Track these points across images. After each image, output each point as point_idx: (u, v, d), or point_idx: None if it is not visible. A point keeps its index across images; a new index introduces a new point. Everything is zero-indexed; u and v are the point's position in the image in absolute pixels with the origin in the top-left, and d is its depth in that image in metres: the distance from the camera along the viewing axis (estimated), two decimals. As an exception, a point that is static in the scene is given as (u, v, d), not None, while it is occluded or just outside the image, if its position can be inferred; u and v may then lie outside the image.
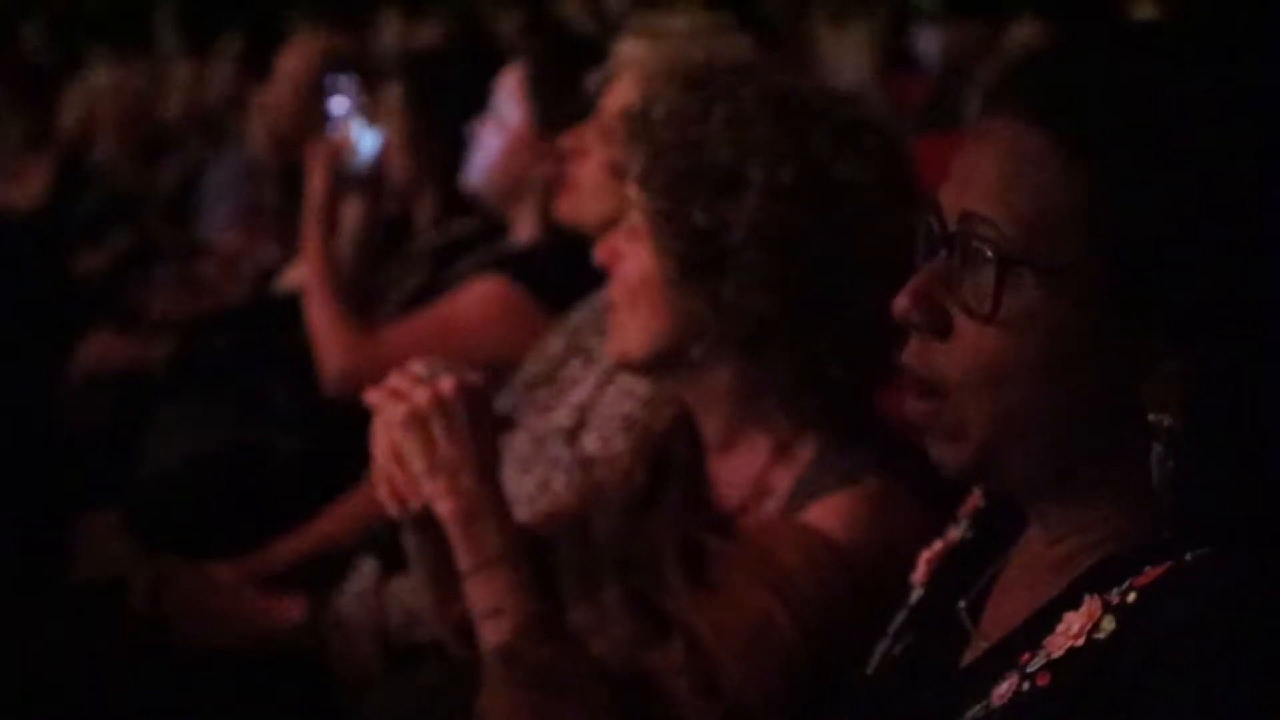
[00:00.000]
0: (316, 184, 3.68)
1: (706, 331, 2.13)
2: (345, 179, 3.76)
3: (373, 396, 2.14)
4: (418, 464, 2.10)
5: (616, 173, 2.22)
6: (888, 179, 2.12)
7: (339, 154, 3.72)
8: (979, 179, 1.44)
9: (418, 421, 2.09)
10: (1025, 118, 1.43)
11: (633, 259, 2.19)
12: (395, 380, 2.13)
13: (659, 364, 2.21)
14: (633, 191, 2.18)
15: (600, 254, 2.25)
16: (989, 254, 1.41)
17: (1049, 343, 1.41)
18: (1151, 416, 1.40)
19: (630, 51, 2.89)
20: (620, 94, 2.81)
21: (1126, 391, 1.41)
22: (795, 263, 2.07)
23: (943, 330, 1.46)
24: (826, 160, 2.08)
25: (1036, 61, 1.52)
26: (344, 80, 3.80)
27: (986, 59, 6.28)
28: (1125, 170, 1.38)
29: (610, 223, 2.79)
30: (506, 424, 2.29)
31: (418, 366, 2.14)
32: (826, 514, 2.09)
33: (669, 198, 2.11)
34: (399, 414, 2.09)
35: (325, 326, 3.56)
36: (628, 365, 2.28)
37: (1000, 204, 1.42)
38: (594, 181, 2.88)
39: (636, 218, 2.18)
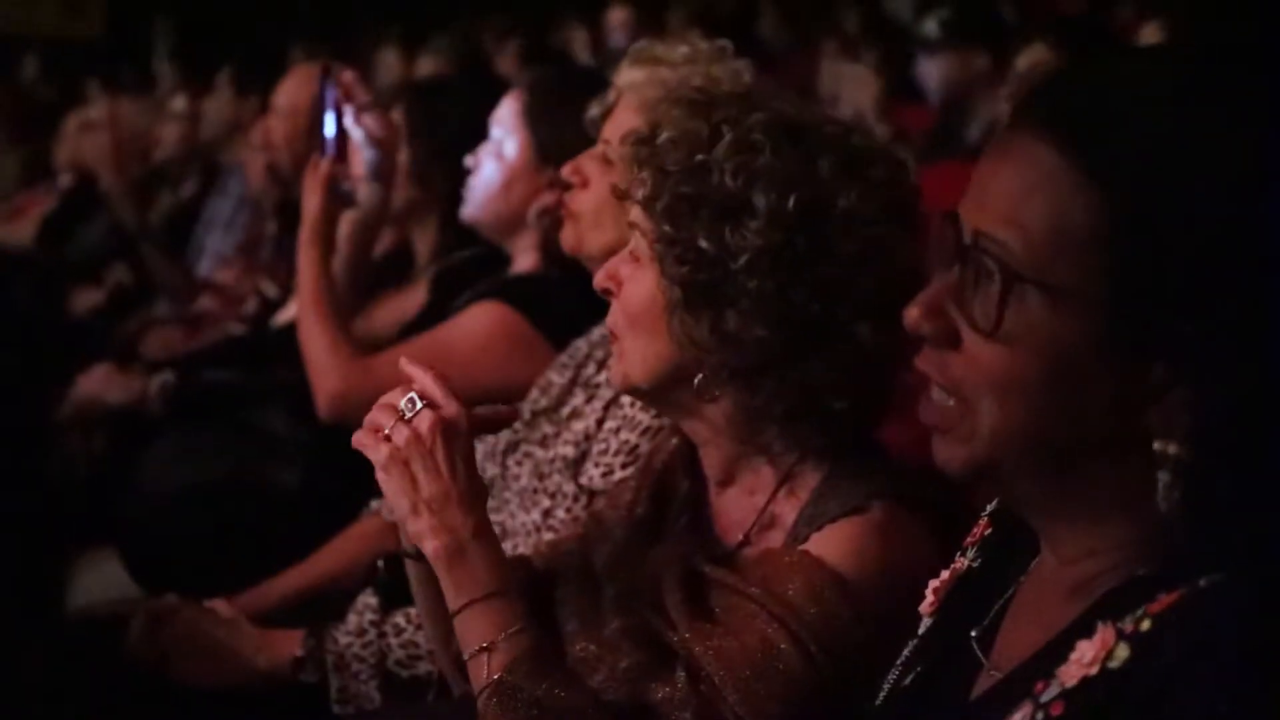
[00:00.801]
0: (312, 204, 3.65)
1: (707, 359, 2.11)
2: (341, 198, 3.73)
3: (357, 440, 2.12)
4: (403, 504, 2.09)
5: (619, 199, 2.20)
6: (893, 210, 2.12)
7: (335, 174, 3.70)
8: (994, 196, 1.46)
9: (398, 463, 2.08)
10: (1043, 137, 1.43)
11: (635, 284, 2.18)
12: (375, 415, 2.12)
13: (661, 391, 2.20)
14: (637, 216, 2.17)
15: (600, 280, 2.24)
16: (996, 271, 1.43)
17: (1052, 361, 1.42)
18: (1157, 445, 1.40)
19: (629, 78, 2.88)
20: (620, 121, 2.80)
21: (1133, 416, 1.41)
22: (797, 292, 2.06)
23: (952, 341, 1.48)
24: (832, 190, 2.08)
25: (1058, 81, 1.51)
26: (337, 82, 3.76)
27: (988, 89, 6.29)
28: (1138, 196, 1.38)
29: (613, 252, 2.78)
30: (510, 417, 2.26)
31: (396, 398, 2.11)
32: (829, 542, 2.07)
33: (673, 222, 2.10)
34: (380, 457, 2.08)
35: (319, 350, 3.52)
36: (630, 391, 2.26)
37: (1012, 222, 1.43)
38: (596, 210, 2.86)
39: (640, 243, 2.17)
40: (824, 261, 2.06)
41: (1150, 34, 5.44)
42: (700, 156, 2.09)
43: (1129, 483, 1.43)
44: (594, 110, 3.00)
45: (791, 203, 2.05)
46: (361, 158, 3.73)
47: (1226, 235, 1.37)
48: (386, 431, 2.09)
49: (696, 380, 2.14)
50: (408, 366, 2.14)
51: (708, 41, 2.91)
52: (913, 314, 1.50)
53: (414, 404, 2.09)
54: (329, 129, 3.68)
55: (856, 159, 2.12)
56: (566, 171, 2.91)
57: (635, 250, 2.19)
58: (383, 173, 3.76)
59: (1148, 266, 1.38)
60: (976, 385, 1.46)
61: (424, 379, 2.12)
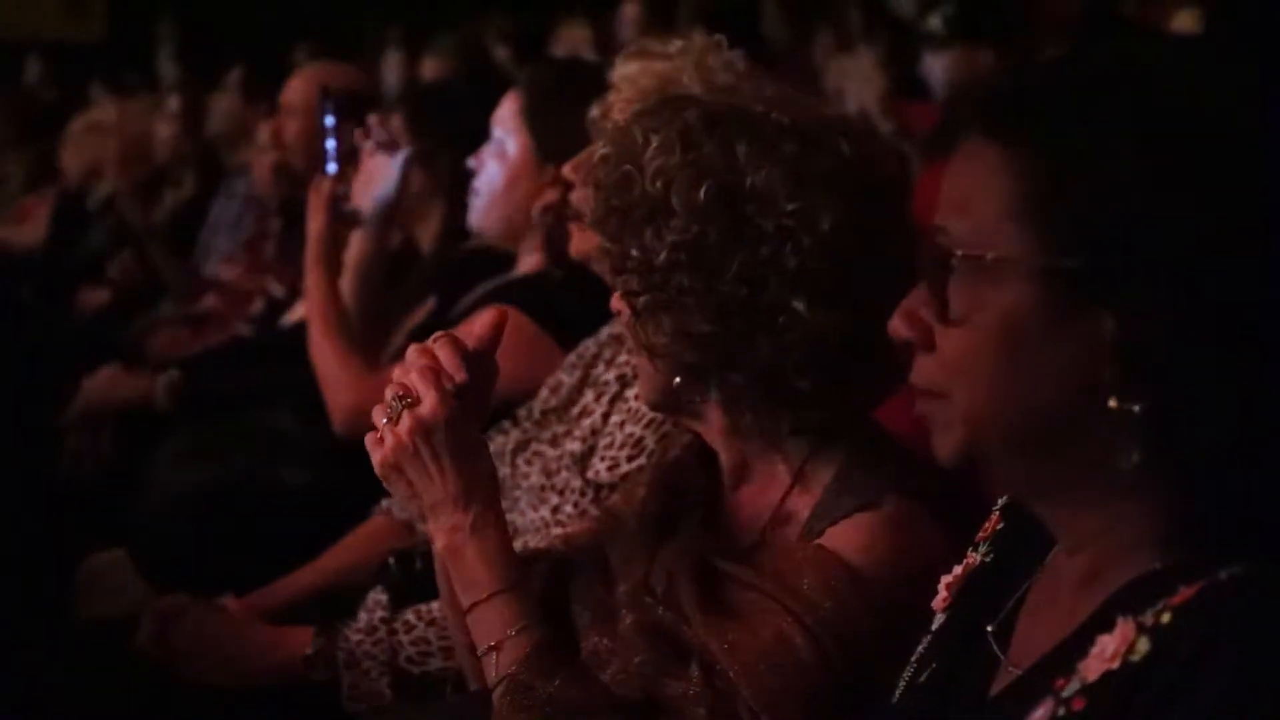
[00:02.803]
0: (316, 225, 3.66)
1: (675, 364, 2.12)
2: (346, 218, 3.75)
3: (368, 443, 2.13)
4: (412, 508, 2.14)
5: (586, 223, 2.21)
6: (810, 181, 2.05)
7: (338, 193, 3.71)
8: (946, 196, 1.51)
9: (392, 470, 2.10)
10: (977, 130, 1.48)
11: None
12: (375, 414, 2.13)
13: (666, 406, 2.22)
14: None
15: (615, 303, 2.21)
16: (939, 257, 1.48)
17: (1006, 334, 1.45)
18: (1112, 402, 1.41)
19: (623, 72, 2.88)
20: (615, 115, 2.80)
21: (1093, 377, 1.42)
22: (722, 280, 2.05)
23: (929, 343, 1.51)
24: (742, 173, 2.05)
25: (986, 84, 1.57)
26: (339, 107, 3.78)
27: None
28: (1054, 157, 1.43)
29: None
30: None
31: (389, 394, 2.10)
32: (844, 537, 2.07)
33: (609, 236, 2.12)
34: (376, 465, 2.11)
35: (331, 365, 3.56)
36: (652, 410, 2.27)
37: (959, 213, 1.48)
38: None
39: None
40: (742, 245, 2.04)
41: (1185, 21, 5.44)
42: (626, 167, 2.09)
43: (1109, 454, 1.43)
44: (594, 111, 3.00)
45: (702, 194, 2.04)
46: (371, 192, 3.76)
47: (1144, 185, 1.39)
48: (380, 436, 2.10)
49: (674, 385, 2.14)
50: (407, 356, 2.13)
51: (705, 35, 2.91)
52: (894, 324, 1.54)
53: (399, 404, 2.08)
54: (331, 149, 3.70)
55: (769, 137, 2.07)
56: (568, 170, 2.91)
57: None
58: (388, 212, 3.80)
59: (1070, 223, 1.41)
60: (946, 374, 1.50)
61: (409, 372, 2.11)
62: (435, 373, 2.10)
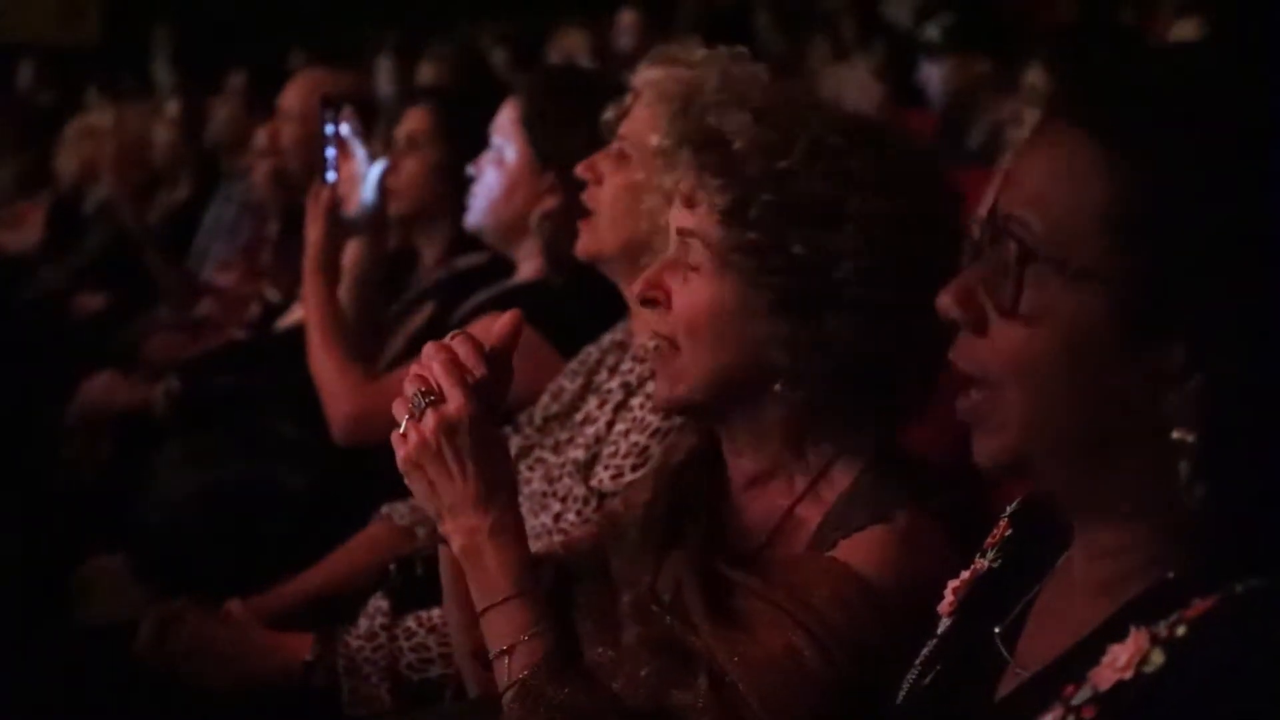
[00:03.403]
0: (315, 233, 3.67)
1: (790, 364, 2.09)
2: (344, 226, 3.75)
3: (394, 439, 2.12)
4: (429, 507, 2.12)
5: (686, 207, 2.17)
6: (951, 210, 2.12)
7: (336, 201, 3.71)
8: (1022, 181, 1.48)
9: (415, 467, 2.08)
10: (1073, 122, 1.45)
11: (694, 293, 2.14)
12: (395, 408, 2.11)
13: (716, 401, 2.17)
14: (695, 223, 2.14)
15: (644, 289, 2.20)
16: (1016, 250, 1.44)
17: (1072, 342, 1.42)
18: (1175, 434, 1.39)
19: (647, 76, 2.87)
20: (638, 117, 2.80)
21: (1155, 402, 1.40)
22: (886, 294, 2.05)
23: (980, 326, 1.49)
24: (912, 192, 2.08)
25: (1087, 74, 1.53)
26: (339, 114, 3.78)
27: (991, 93, 6.29)
28: (1159, 174, 1.39)
29: (631, 247, 2.79)
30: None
31: (410, 389, 2.09)
32: (856, 550, 2.06)
33: (764, 230, 2.07)
34: (400, 462, 2.09)
35: (330, 374, 3.56)
36: (682, 404, 2.20)
37: (1036, 204, 1.45)
38: (611, 205, 2.85)
39: (697, 251, 2.14)
40: (911, 263, 2.06)
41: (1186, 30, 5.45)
42: (782, 163, 2.07)
43: (1159, 475, 1.42)
44: (609, 114, 3.00)
45: (882, 205, 2.05)
46: (353, 196, 3.76)
47: (1242, 217, 1.37)
48: (403, 430, 2.09)
49: (777, 386, 2.11)
50: (424, 353, 2.12)
51: (727, 47, 2.92)
52: (944, 300, 1.51)
53: (422, 400, 2.07)
54: (330, 157, 3.70)
55: (922, 161, 2.15)
56: (581, 169, 2.91)
57: (689, 258, 2.15)
58: (372, 218, 3.80)
59: (1163, 244, 1.38)
60: (1001, 369, 1.47)
61: (430, 366, 2.09)
62: (460, 370, 2.08)
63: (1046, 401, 1.45)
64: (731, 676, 1.98)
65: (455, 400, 2.06)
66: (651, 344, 2.23)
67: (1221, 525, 1.41)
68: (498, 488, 2.10)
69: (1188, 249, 1.37)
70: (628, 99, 2.92)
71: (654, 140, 2.71)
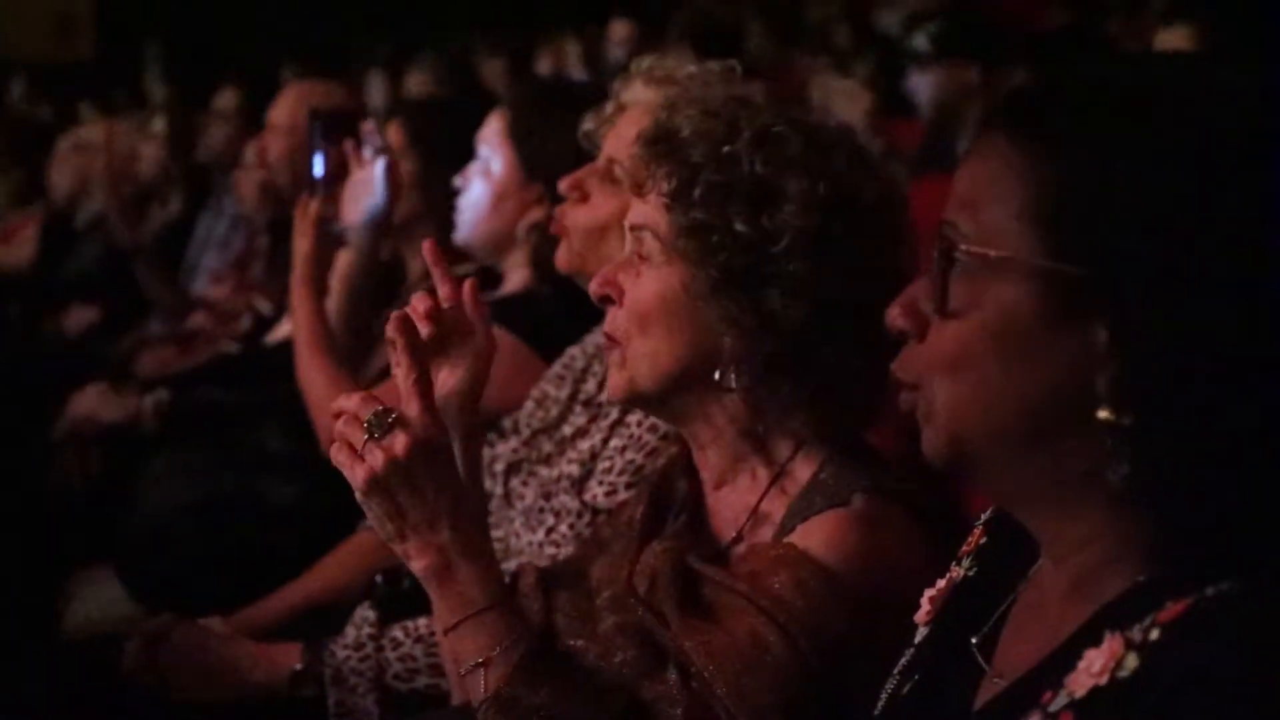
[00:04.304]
0: (303, 245, 3.67)
1: (735, 346, 2.13)
2: (332, 238, 3.75)
3: (334, 457, 2.07)
4: (387, 528, 2.06)
5: (635, 195, 2.21)
6: (900, 206, 2.18)
7: (324, 214, 3.71)
8: (959, 191, 1.51)
9: (379, 489, 2.03)
10: (1000, 130, 1.49)
11: (644, 285, 2.18)
12: (342, 429, 2.06)
13: (667, 394, 2.20)
14: (645, 215, 2.18)
15: (598, 287, 2.23)
16: (944, 251, 1.48)
17: (999, 331, 1.45)
18: (1101, 414, 1.40)
19: (635, 94, 2.88)
20: (625, 135, 2.80)
21: (1080, 388, 1.41)
22: (831, 273, 2.09)
23: (924, 335, 1.52)
24: (853, 180, 2.13)
25: (1022, 86, 1.58)
26: (327, 126, 3.78)
27: (979, 102, 6.30)
28: (1071, 164, 1.42)
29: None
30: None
31: (358, 407, 2.05)
32: (812, 534, 2.08)
33: (707, 210, 2.12)
34: (358, 482, 2.04)
35: (319, 387, 3.54)
36: (633, 398, 2.24)
37: (968, 209, 1.48)
38: (599, 228, 2.85)
39: (649, 243, 2.18)
40: (854, 245, 2.10)
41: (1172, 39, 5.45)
42: (726, 148, 2.12)
43: (1093, 459, 1.43)
44: (589, 124, 2.99)
45: (822, 188, 2.09)
46: (360, 202, 3.75)
47: (1151, 197, 1.39)
48: (360, 452, 2.03)
49: (718, 372, 2.14)
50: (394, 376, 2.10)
51: (718, 63, 2.93)
52: (892, 313, 1.54)
53: (382, 420, 2.03)
54: (318, 170, 3.70)
55: (867, 155, 2.20)
56: (565, 186, 2.90)
57: (640, 252, 2.20)
58: (380, 221, 3.79)
59: (1076, 228, 1.41)
60: (930, 366, 1.50)
61: (401, 390, 2.07)
62: (424, 385, 2.07)
63: (974, 389, 1.47)
64: (698, 665, 2.00)
65: (422, 419, 2.04)
66: (602, 340, 2.25)
67: (1190, 525, 1.42)
68: (468, 506, 2.09)
69: (1101, 230, 1.40)
70: (609, 109, 2.92)
71: None
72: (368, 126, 3.75)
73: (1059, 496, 1.49)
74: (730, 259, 2.10)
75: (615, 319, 2.21)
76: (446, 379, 2.23)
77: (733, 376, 2.14)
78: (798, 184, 2.10)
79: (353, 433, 2.05)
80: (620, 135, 2.84)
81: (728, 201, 2.11)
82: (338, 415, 2.09)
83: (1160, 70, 1.52)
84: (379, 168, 3.78)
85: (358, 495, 2.06)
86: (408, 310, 2.17)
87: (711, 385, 2.16)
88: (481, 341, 2.24)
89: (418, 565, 2.07)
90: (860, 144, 2.21)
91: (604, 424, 2.81)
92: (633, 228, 2.21)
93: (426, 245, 2.20)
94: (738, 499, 2.22)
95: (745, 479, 2.22)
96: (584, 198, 2.89)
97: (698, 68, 2.91)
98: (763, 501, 2.19)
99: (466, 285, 2.25)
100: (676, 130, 2.17)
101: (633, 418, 2.74)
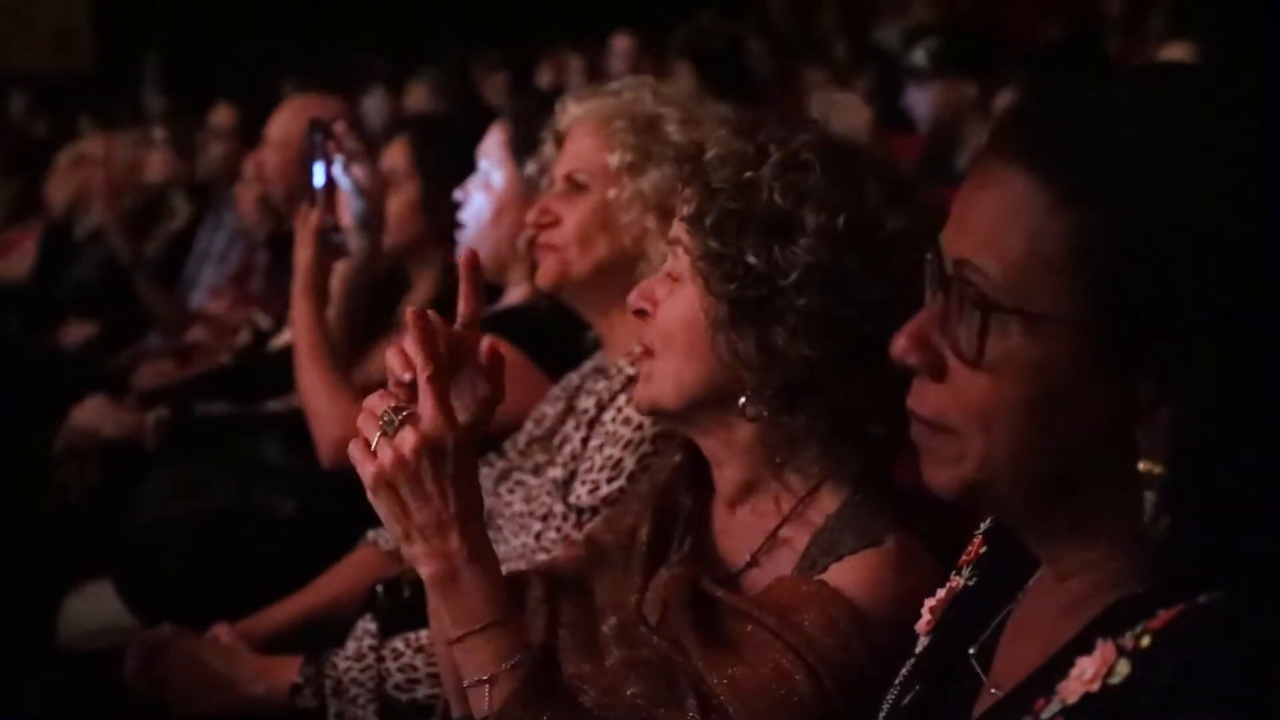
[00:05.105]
0: (304, 255, 3.66)
1: (749, 377, 2.10)
2: (333, 248, 3.74)
3: (350, 452, 2.02)
4: (395, 529, 2.01)
5: (608, 217, 2.22)
6: (926, 239, 2.10)
7: (325, 224, 3.70)
8: (972, 225, 1.46)
9: (385, 486, 1.98)
10: (1016, 164, 1.43)
11: (674, 303, 2.17)
12: (361, 422, 2.02)
13: (689, 412, 2.18)
14: (679, 232, 2.17)
15: (635, 300, 2.22)
16: (977, 300, 1.43)
17: (1037, 387, 1.42)
18: (1142, 465, 1.39)
19: (574, 113, 2.94)
20: (585, 148, 2.89)
21: (1120, 436, 1.40)
22: (846, 310, 2.05)
23: (938, 372, 1.48)
24: (880, 212, 2.08)
25: (1028, 109, 1.52)
26: (326, 139, 3.77)
27: (977, 117, 6.32)
28: (1111, 213, 1.38)
29: (606, 268, 2.83)
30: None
31: (378, 404, 2.01)
32: (847, 575, 2.06)
33: (720, 238, 2.09)
34: (367, 478, 1.99)
35: (319, 397, 3.54)
36: (658, 413, 2.23)
37: (990, 251, 1.43)
38: (579, 236, 2.90)
39: (680, 261, 2.17)
40: (871, 282, 2.05)
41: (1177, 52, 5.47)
42: (748, 174, 2.09)
43: (1122, 503, 1.42)
44: (530, 169, 3.06)
45: (841, 222, 2.05)
46: (350, 208, 3.75)
47: (1202, 249, 1.36)
48: (373, 447, 1.99)
49: (741, 401, 2.11)
50: (394, 358, 2.03)
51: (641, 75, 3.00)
52: (900, 344, 1.51)
53: (395, 417, 1.98)
54: (318, 180, 3.70)
55: (903, 183, 2.13)
56: (533, 217, 2.94)
57: (674, 269, 2.18)
58: (371, 223, 3.78)
59: (1124, 284, 1.37)
60: (963, 416, 1.46)
61: (418, 383, 2.00)
62: (440, 387, 2.00)
63: (1009, 444, 1.44)
64: (721, 699, 1.98)
65: (434, 419, 1.97)
66: (636, 349, 2.24)
67: (1183, 545, 1.41)
68: (476, 515, 2.02)
69: (1149, 282, 1.37)
70: (547, 151, 3.01)
71: (613, 159, 2.77)
72: (338, 128, 3.74)
73: (1073, 529, 1.49)
74: (740, 290, 2.08)
75: (647, 332, 2.21)
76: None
77: (753, 405, 2.12)
78: (815, 217, 2.05)
79: (368, 428, 2.01)
80: (569, 151, 2.94)
81: (742, 231, 2.08)
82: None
83: (1167, 88, 1.47)
84: (355, 172, 3.77)
85: (368, 493, 2.01)
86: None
87: (730, 409, 2.15)
88: (486, 386, 2.09)
89: (425, 572, 2.01)
90: (897, 174, 2.14)
91: (582, 423, 2.83)
92: (669, 242, 2.21)
93: (466, 255, 2.13)
94: (755, 521, 2.20)
95: (765, 502, 2.20)
96: (555, 220, 2.91)
97: (620, 82, 2.99)
98: (783, 527, 2.16)
99: (486, 342, 2.10)
100: (703, 150, 2.15)
101: (607, 414, 2.75)
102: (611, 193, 2.85)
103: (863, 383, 2.06)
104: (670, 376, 2.16)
